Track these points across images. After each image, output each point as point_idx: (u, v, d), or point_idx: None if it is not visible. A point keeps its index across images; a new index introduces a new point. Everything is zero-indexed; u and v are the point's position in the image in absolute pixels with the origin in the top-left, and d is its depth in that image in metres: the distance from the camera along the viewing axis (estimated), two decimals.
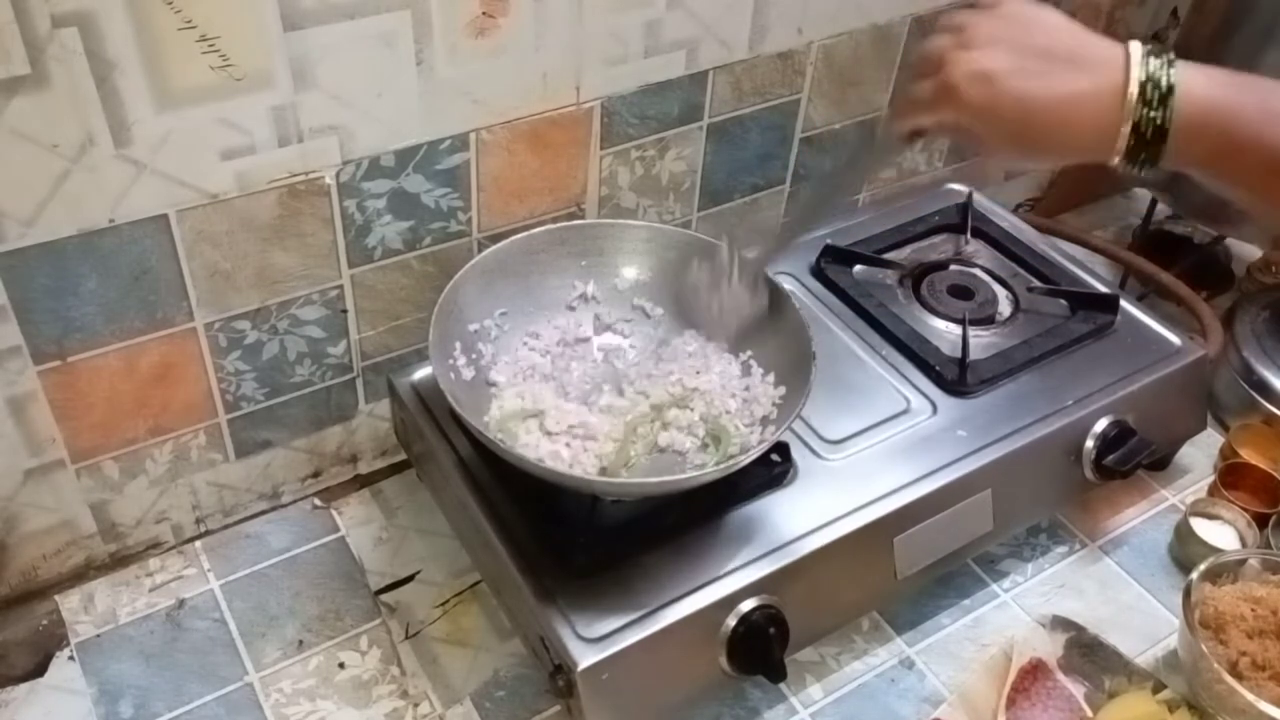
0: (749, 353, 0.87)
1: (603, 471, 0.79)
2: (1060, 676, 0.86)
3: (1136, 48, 0.60)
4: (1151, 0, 1.28)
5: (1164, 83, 0.59)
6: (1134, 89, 0.59)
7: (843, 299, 1.01)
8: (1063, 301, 1.02)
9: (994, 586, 0.95)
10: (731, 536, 0.80)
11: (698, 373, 0.85)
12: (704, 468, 0.79)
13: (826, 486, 0.84)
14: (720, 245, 0.85)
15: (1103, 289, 1.04)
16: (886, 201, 1.15)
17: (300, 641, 0.88)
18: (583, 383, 0.87)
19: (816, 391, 0.78)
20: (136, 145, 0.72)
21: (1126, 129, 0.59)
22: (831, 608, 0.85)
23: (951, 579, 0.94)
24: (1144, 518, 1.02)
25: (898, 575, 0.85)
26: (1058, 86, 0.61)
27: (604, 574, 0.77)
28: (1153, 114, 0.59)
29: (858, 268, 1.04)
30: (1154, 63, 0.59)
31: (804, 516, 0.82)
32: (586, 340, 0.90)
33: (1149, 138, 0.59)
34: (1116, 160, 0.60)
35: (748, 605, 0.77)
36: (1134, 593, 0.95)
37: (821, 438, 0.88)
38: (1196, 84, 0.59)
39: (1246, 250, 1.27)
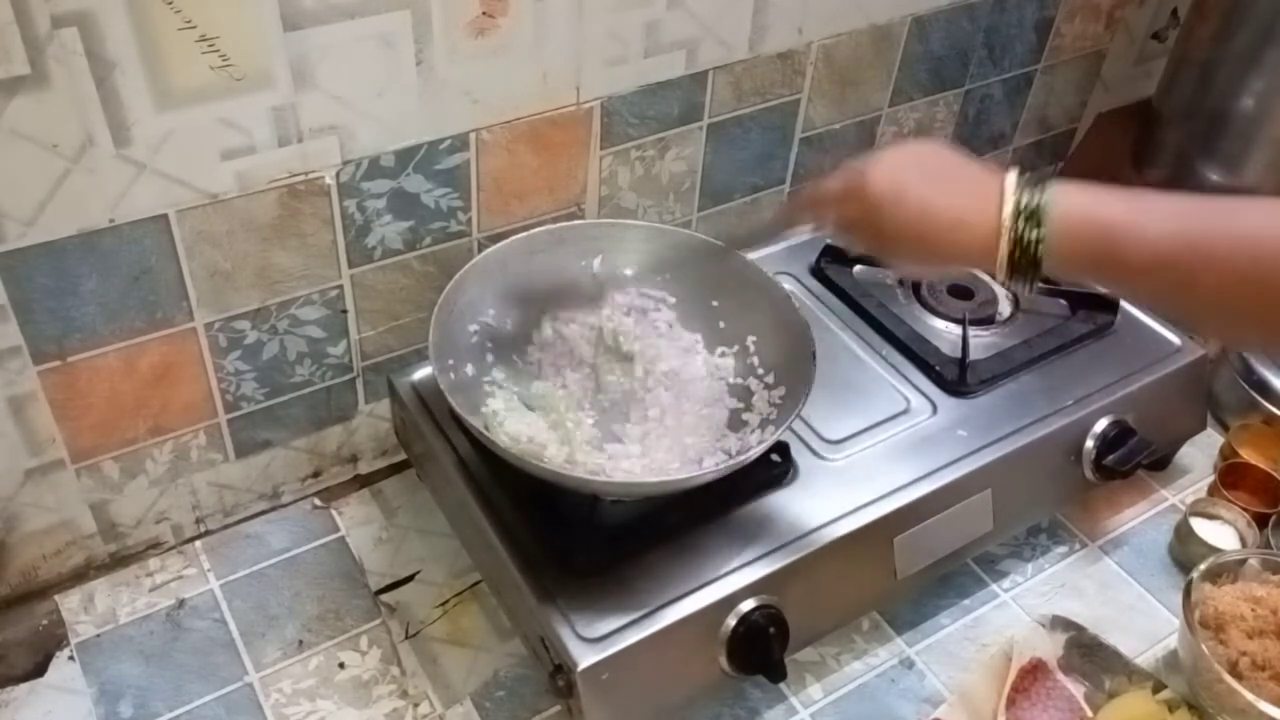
0: (749, 346, 0.87)
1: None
2: (1060, 676, 0.86)
3: (1012, 175, 0.66)
4: (1151, 0, 1.28)
5: (1035, 203, 0.64)
6: (1009, 209, 0.65)
7: (843, 299, 1.01)
8: (1062, 301, 1.02)
9: (994, 586, 0.95)
10: (731, 536, 0.80)
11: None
12: (704, 468, 0.79)
13: (826, 486, 0.84)
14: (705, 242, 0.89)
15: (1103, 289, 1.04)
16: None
17: (300, 641, 0.88)
18: (582, 382, 0.87)
19: (816, 391, 0.78)
20: (136, 145, 0.72)
21: (1005, 246, 0.65)
22: (831, 608, 0.85)
23: (951, 579, 0.94)
24: (1144, 518, 1.02)
25: (898, 575, 0.85)
26: (951, 201, 0.67)
27: (604, 574, 0.77)
28: (1026, 233, 0.64)
29: (858, 268, 1.04)
30: (1028, 190, 0.65)
31: (804, 516, 0.82)
32: (586, 340, 0.90)
33: (1028, 251, 0.64)
34: (1001, 274, 0.66)
35: (748, 605, 0.77)
36: (1134, 593, 0.95)
37: (821, 438, 0.88)
38: (1068, 199, 0.64)
39: None
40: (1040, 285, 1.01)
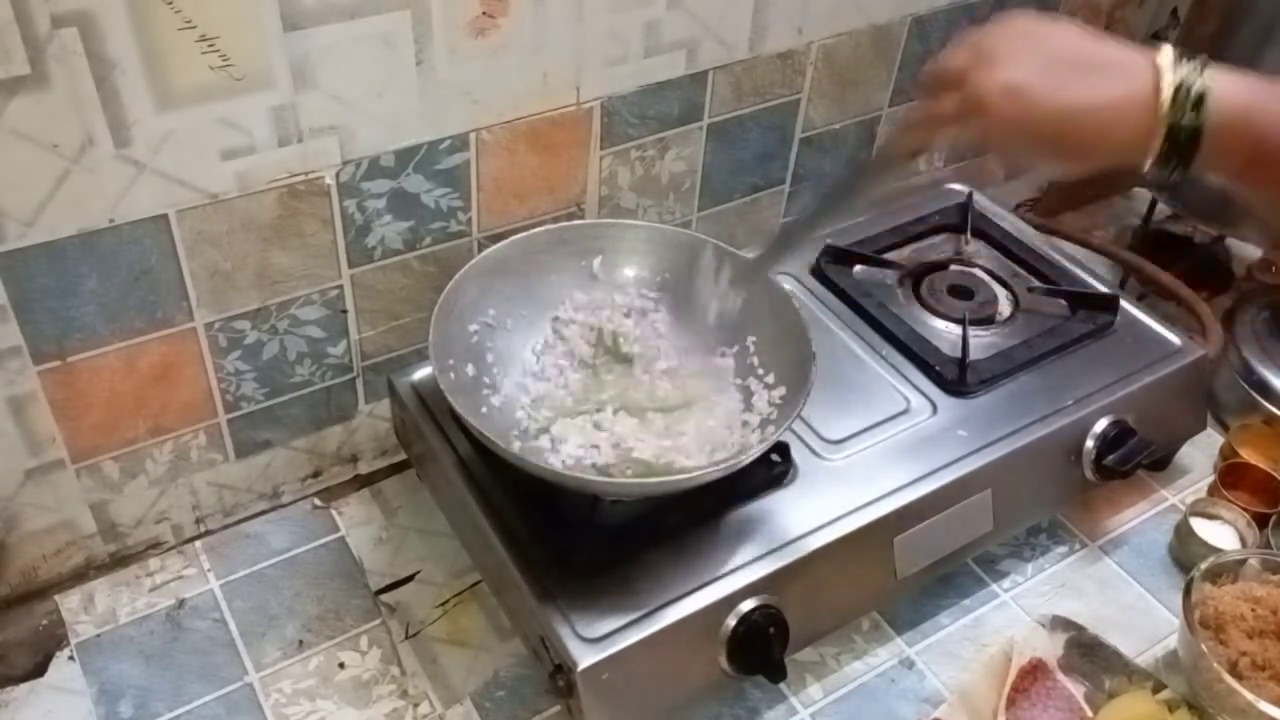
0: (749, 346, 0.87)
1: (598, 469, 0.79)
2: (1060, 676, 0.86)
3: (1168, 52, 0.60)
4: (1151, 0, 1.28)
5: (1197, 87, 0.59)
6: (1167, 94, 0.59)
7: (843, 299, 1.01)
8: (1063, 301, 1.02)
9: (994, 586, 0.95)
10: (731, 536, 0.80)
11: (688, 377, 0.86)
12: (704, 468, 0.79)
13: (826, 486, 0.84)
14: (708, 245, 0.86)
15: (1103, 289, 1.04)
16: (886, 201, 1.15)
17: (300, 641, 0.88)
18: (581, 382, 0.86)
19: (816, 391, 0.78)
20: (136, 145, 0.72)
21: (1160, 134, 0.59)
22: (831, 608, 0.85)
23: (951, 579, 0.94)
24: (1144, 518, 1.02)
25: (898, 575, 0.85)
26: (1089, 95, 0.61)
27: (604, 574, 0.77)
28: (1186, 119, 0.59)
29: (858, 268, 1.05)
30: (1186, 67, 0.59)
31: (804, 516, 0.82)
32: (586, 341, 0.90)
33: (1182, 142, 0.59)
34: (1149, 166, 0.60)
35: (748, 605, 0.77)
36: (1134, 593, 0.95)
37: (821, 438, 0.88)
38: (1229, 89, 0.59)
39: (1246, 250, 1.27)
40: (1040, 285, 1.03)
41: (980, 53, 0.63)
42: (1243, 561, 0.90)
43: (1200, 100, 0.58)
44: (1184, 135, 0.59)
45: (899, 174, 0.72)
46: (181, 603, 0.90)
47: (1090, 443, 0.92)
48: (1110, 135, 0.61)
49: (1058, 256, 1.08)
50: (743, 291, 0.84)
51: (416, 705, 0.84)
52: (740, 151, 1.05)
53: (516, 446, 0.79)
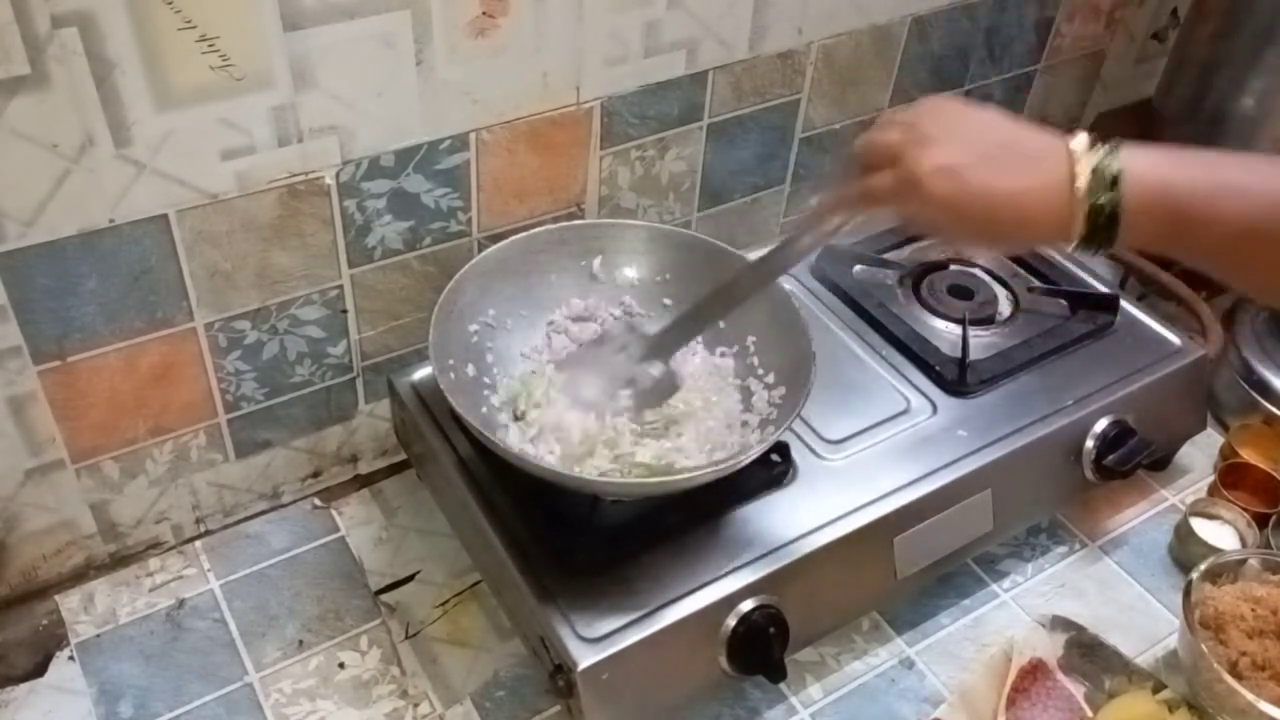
0: (749, 346, 0.87)
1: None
2: (1060, 676, 0.86)
3: (1081, 139, 0.62)
4: (1151, 0, 1.28)
5: (1112, 169, 0.61)
6: (1082, 180, 0.61)
7: (843, 299, 1.01)
8: (1063, 301, 1.02)
9: (994, 586, 0.95)
10: (731, 536, 0.80)
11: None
12: (704, 468, 0.79)
13: (826, 486, 0.84)
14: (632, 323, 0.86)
15: (1103, 289, 1.04)
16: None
17: (300, 641, 0.88)
18: (580, 382, 0.86)
19: (816, 391, 0.78)
20: (136, 145, 0.72)
21: (1080, 217, 0.61)
22: (831, 608, 0.85)
23: (951, 579, 0.94)
24: (1144, 518, 1.02)
25: (898, 575, 0.85)
26: (1014, 181, 0.63)
27: (604, 574, 0.77)
28: (1102, 201, 0.61)
29: (858, 268, 1.05)
30: (1100, 151, 0.62)
31: (804, 516, 0.82)
32: (585, 341, 0.90)
33: (1102, 223, 0.61)
34: (1074, 246, 0.63)
35: (748, 605, 0.77)
36: (1134, 593, 0.95)
37: (821, 438, 0.88)
38: (1145, 167, 0.61)
39: None
40: (1040, 285, 1.03)
41: (914, 133, 0.65)
42: (1243, 561, 0.90)
43: (1115, 181, 0.61)
44: (1103, 216, 0.61)
45: (823, 241, 0.74)
46: (181, 603, 0.90)
47: (1090, 443, 0.92)
48: (1034, 220, 0.63)
49: (1058, 256, 1.08)
50: (660, 366, 0.82)
51: (416, 705, 0.84)
52: (740, 151, 1.05)
53: (515, 445, 0.79)
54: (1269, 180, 0.61)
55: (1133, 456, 0.92)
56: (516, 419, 0.84)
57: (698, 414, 0.85)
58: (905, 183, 0.65)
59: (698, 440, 0.83)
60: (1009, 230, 0.64)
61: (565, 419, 0.82)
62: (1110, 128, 0.81)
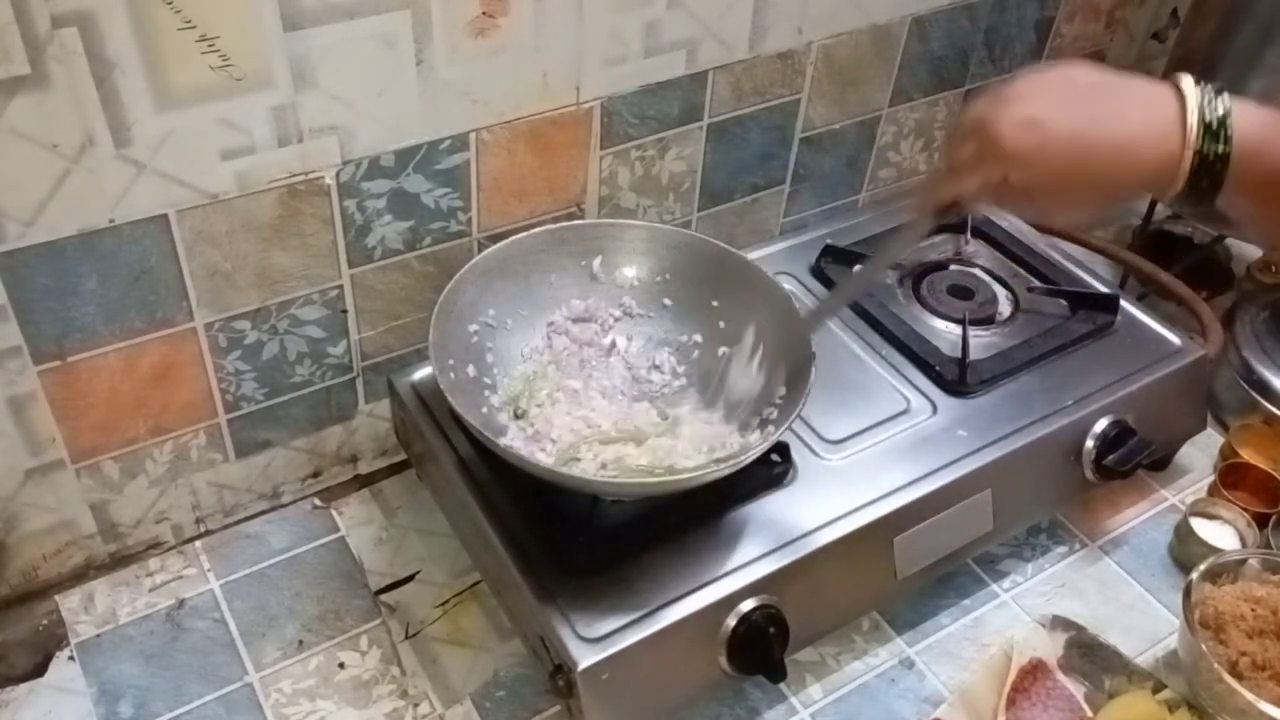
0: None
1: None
2: (1060, 676, 0.86)
3: (1188, 80, 0.59)
4: (1151, 0, 1.28)
5: (1219, 111, 0.58)
6: (1194, 118, 0.58)
7: None
8: (1063, 301, 1.02)
9: (994, 586, 0.95)
10: (731, 536, 0.80)
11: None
12: (704, 468, 0.79)
13: (826, 486, 0.84)
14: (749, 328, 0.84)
15: (1103, 289, 1.04)
16: (886, 201, 1.15)
17: (300, 641, 0.88)
18: (580, 383, 0.87)
19: (816, 391, 0.78)
20: (136, 145, 0.72)
21: (1188, 159, 0.58)
22: (831, 608, 0.85)
23: (951, 579, 0.94)
24: (1144, 518, 1.02)
25: (898, 575, 0.85)
26: (1110, 123, 0.59)
27: (604, 574, 0.77)
28: (1214, 144, 0.58)
29: (858, 268, 1.04)
30: (1207, 93, 0.59)
31: (804, 516, 0.82)
32: (585, 341, 0.90)
33: (1211, 168, 0.58)
34: (1174, 193, 0.59)
35: (748, 605, 0.77)
36: (1134, 593, 0.95)
37: (821, 438, 0.88)
38: (1247, 114, 0.58)
39: (1246, 250, 1.27)
40: (1040, 285, 1.03)
41: (998, 97, 0.62)
42: (1243, 561, 0.90)
43: (1223, 123, 0.58)
44: (1213, 159, 0.58)
45: (926, 234, 0.70)
46: (181, 603, 0.90)
47: (1090, 443, 0.92)
48: (1132, 164, 0.59)
49: (1058, 256, 1.08)
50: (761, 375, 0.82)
51: (416, 705, 0.84)
52: (740, 151, 1.05)
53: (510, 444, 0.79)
54: None
55: (1133, 456, 0.92)
56: (517, 418, 0.84)
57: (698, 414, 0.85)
58: (987, 146, 0.61)
59: (696, 441, 0.82)
60: (1106, 178, 0.60)
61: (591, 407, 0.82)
62: None
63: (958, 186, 0.65)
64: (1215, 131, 0.57)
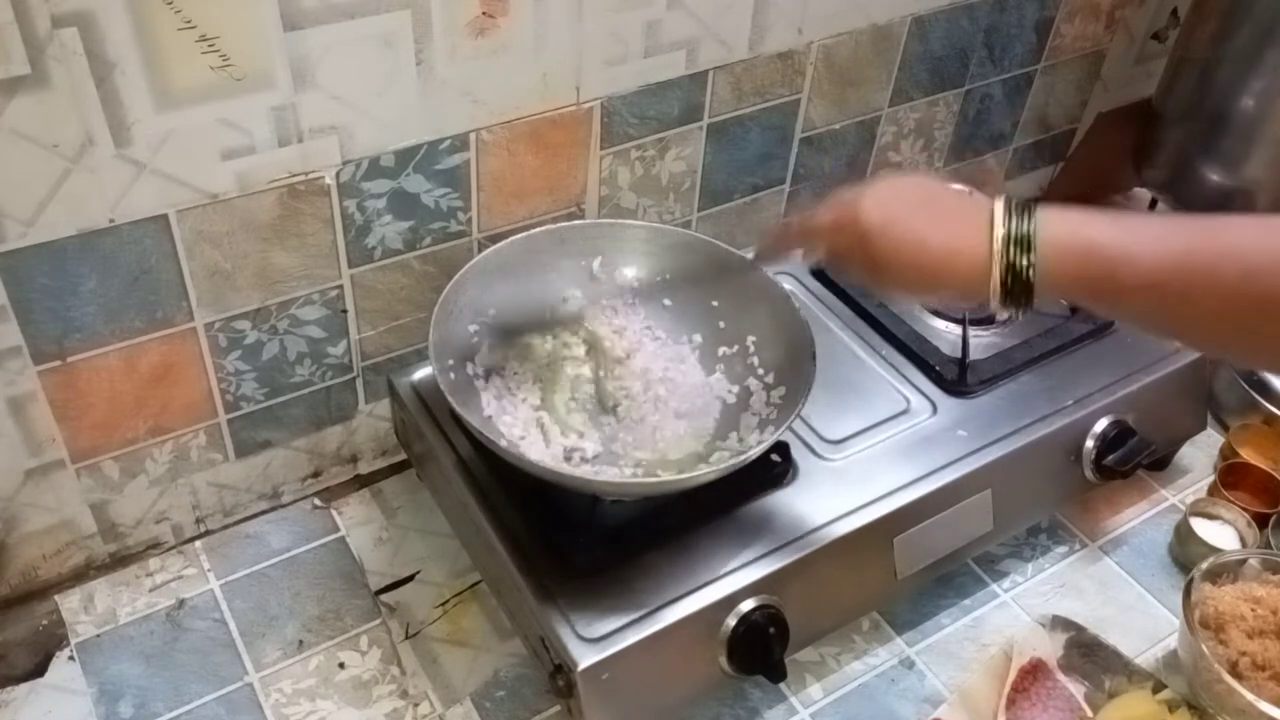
0: (749, 346, 0.87)
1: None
2: (1060, 676, 0.86)
3: (999, 203, 0.66)
4: (1151, 0, 1.28)
5: (1026, 228, 0.64)
6: (999, 237, 0.65)
7: (843, 299, 1.01)
8: (1062, 301, 1.02)
9: (994, 586, 0.95)
10: (731, 536, 0.80)
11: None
12: (704, 468, 0.79)
13: (826, 486, 0.84)
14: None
15: None
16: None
17: (300, 641, 0.88)
18: (580, 383, 0.87)
19: (816, 391, 0.78)
20: (136, 145, 0.72)
21: (997, 274, 0.65)
22: (831, 608, 0.85)
23: (951, 579, 0.94)
24: (1144, 518, 1.02)
25: (898, 575, 0.85)
26: (940, 229, 0.67)
27: (604, 574, 0.77)
28: (1019, 260, 0.64)
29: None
30: (1016, 217, 0.65)
31: (804, 516, 0.82)
32: (584, 341, 0.90)
33: (1022, 279, 0.65)
34: (994, 302, 0.66)
35: (748, 605, 0.77)
36: (1134, 593, 0.95)
37: (821, 438, 0.88)
38: (1056, 225, 0.65)
39: None
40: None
41: (863, 188, 0.71)
42: (1243, 561, 0.90)
43: (1026, 239, 0.64)
44: (1021, 272, 0.64)
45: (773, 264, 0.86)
46: (181, 603, 0.90)
47: (1090, 443, 0.92)
48: (956, 272, 0.67)
49: None
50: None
51: (416, 705, 0.84)
52: (740, 151, 1.05)
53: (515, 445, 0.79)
54: (1176, 227, 0.64)
55: (1133, 456, 0.92)
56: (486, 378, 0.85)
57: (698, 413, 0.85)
58: (844, 211, 0.70)
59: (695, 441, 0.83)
60: (934, 277, 0.68)
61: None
62: (1110, 128, 0.81)
63: (808, 242, 0.75)
64: (1020, 245, 0.64)
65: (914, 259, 0.68)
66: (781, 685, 0.84)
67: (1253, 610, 0.85)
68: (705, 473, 0.75)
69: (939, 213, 0.69)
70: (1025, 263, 0.64)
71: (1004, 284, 0.65)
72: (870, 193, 0.70)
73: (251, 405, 0.90)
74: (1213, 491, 1.00)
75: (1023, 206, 0.66)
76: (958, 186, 0.72)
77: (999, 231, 0.65)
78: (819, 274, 1.03)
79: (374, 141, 0.82)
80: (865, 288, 0.74)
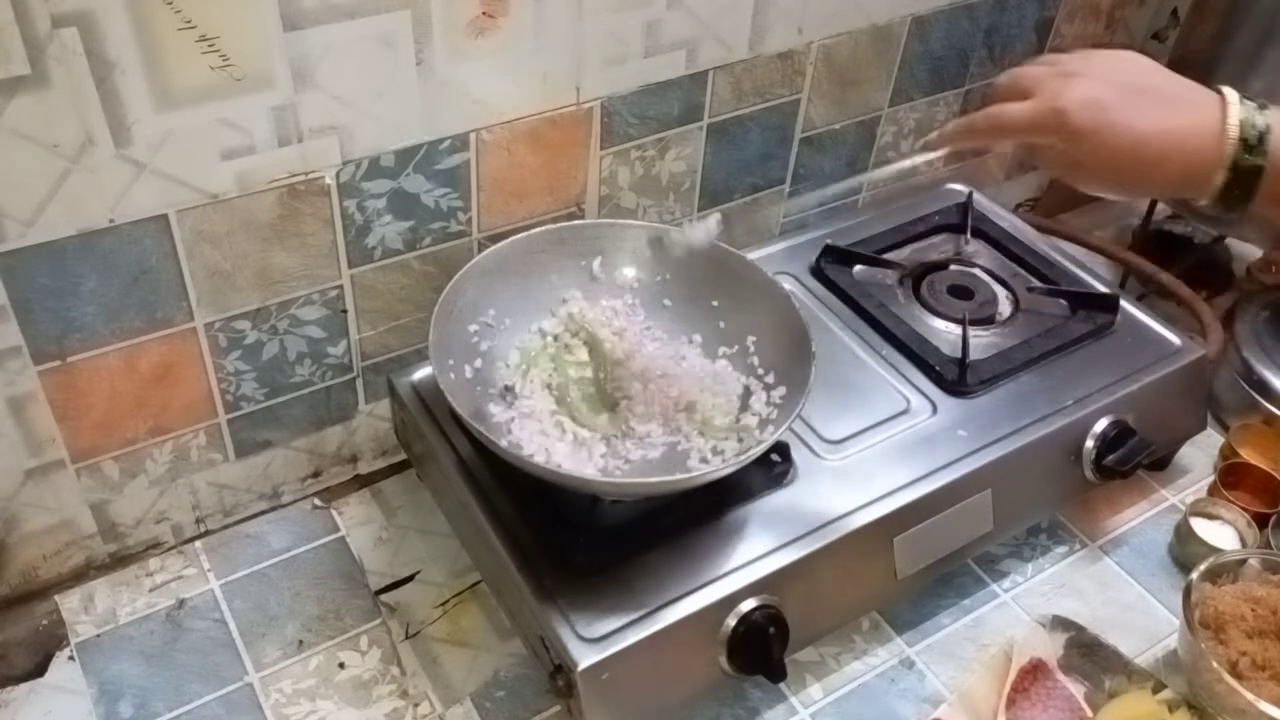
0: (749, 346, 0.87)
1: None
2: (1060, 676, 0.86)
3: (1232, 92, 0.62)
4: (1151, 0, 1.28)
5: (1259, 126, 0.60)
6: (1233, 130, 0.60)
7: (843, 299, 1.01)
8: (1063, 301, 1.02)
9: (994, 586, 0.95)
10: (731, 536, 0.80)
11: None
12: (704, 468, 0.79)
13: (826, 486, 0.84)
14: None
15: (1103, 289, 1.04)
16: (886, 201, 1.15)
17: (300, 641, 0.88)
18: (580, 384, 0.87)
19: (816, 391, 0.78)
20: (136, 145, 0.72)
21: (1223, 169, 0.60)
22: (831, 608, 0.85)
23: (951, 579, 0.94)
24: (1144, 518, 1.02)
25: (898, 575, 0.85)
26: (1161, 122, 0.62)
27: (604, 574, 0.77)
28: (1249, 156, 0.60)
29: (858, 268, 1.05)
30: (1249, 106, 0.61)
31: (804, 516, 0.82)
32: (584, 341, 0.90)
33: (1243, 179, 0.60)
34: (1206, 199, 0.61)
35: (748, 605, 0.77)
36: (1134, 593, 0.95)
37: (821, 438, 0.88)
38: None
39: (1246, 250, 1.27)
40: (1040, 285, 1.03)
41: (1060, 68, 0.64)
42: (1243, 561, 0.90)
43: (1262, 138, 0.59)
44: (1246, 171, 0.60)
45: (921, 165, 0.75)
46: (181, 603, 0.90)
47: (1090, 443, 0.92)
48: (1172, 165, 0.62)
49: (1058, 256, 1.08)
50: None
51: (416, 705, 0.84)
52: (740, 151, 1.05)
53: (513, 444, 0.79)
54: None
55: (1133, 456, 0.92)
56: (504, 398, 0.84)
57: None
58: (1048, 113, 0.63)
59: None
60: (1148, 173, 0.62)
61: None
62: None
63: (1001, 136, 0.68)
64: (1253, 146, 0.59)
65: (1129, 159, 0.62)
66: (781, 685, 0.84)
67: (1253, 610, 0.85)
68: (705, 473, 0.75)
69: (1158, 103, 0.63)
70: (1255, 164, 0.59)
71: (1226, 186, 0.60)
72: (1077, 88, 0.63)
73: (251, 405, 0.90)
74: (1213, 491, 1.00)
75: (1259, 104, 0.61)
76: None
77: (1233, 127, 0.60)
78: (819, 274, 1.04)
79: (374, 141, 0.82)
80: (1065, 180, 0.67)
